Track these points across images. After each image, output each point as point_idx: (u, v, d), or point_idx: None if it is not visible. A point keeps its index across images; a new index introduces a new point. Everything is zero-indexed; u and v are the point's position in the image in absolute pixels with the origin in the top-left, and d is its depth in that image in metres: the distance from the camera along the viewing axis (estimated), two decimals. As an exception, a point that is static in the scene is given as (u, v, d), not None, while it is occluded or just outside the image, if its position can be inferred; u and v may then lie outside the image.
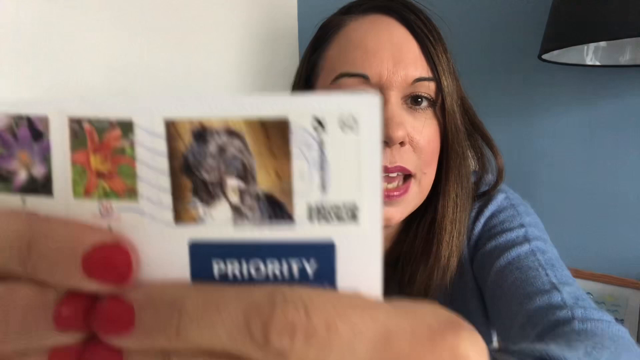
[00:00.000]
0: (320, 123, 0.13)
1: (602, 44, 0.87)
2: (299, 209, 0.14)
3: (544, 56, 0.83)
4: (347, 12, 0.50)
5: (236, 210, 0.14)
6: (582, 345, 0.31)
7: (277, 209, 0.14)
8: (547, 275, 0.42)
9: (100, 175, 0.14)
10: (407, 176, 0.46)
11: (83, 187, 0.14)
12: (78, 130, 0.14)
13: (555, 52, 0.85)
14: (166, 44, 0.91)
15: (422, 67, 0.45)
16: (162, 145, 0.14)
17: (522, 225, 0.49)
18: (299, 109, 0.13)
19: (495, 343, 0.57)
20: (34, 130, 0.14)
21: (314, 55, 0.51)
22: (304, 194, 0.14)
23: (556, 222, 1.00)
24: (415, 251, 0.51)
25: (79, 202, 0.14)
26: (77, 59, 0.75)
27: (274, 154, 0.13)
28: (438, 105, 0.47)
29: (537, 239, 0.47)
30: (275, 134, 0.13)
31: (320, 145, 0.13)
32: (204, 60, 1.02)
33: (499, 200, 0.53)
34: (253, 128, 0.13)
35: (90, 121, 0.14)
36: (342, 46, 0.47)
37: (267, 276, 0.14)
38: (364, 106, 0.13)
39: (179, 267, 0.14)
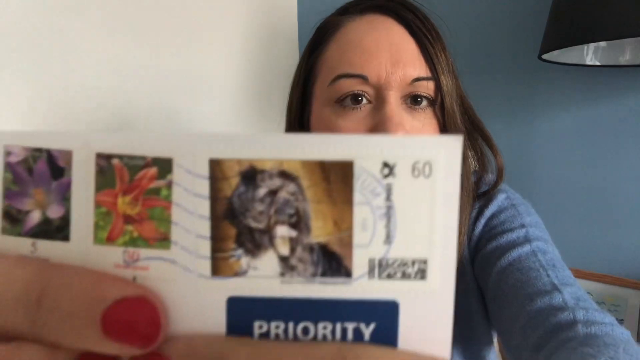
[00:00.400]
0: (389, 168, 0.12)
1: (602, 44, 0.87)
2: (359, 263, 0.12)
3: (544, 56, 0.83)
4: (344, 13, 0.50)
5: (285, 263, 0.12)
6: None
7: (333, 262, 0.12)
8: (548, 276, 0.41)
9: (127, 219, 0.12)
10: None
11: (106, 232, 0.12)
12: (106, 167, 0.12)
13: (555, 52, 0.85)
14: (166, 44, 0.91)
15: (421, 66, 0.45)
16: (204, 188, 0.12)
17: (523, 226, 0.48)
18: (367, 151, 0.12)
19: (495, 343, 0.57)
20: (53, 166, 0.12)
21: (312, 56, 0.51)
22: (366, 246, 0.12)
23: (556, 222, 1.00)
24: None
25: (100, 248, 0.12)
26: (77, 59, 0.75)
27: (333, 200, 0.12)
28: (437, 104, 0.47)
29: (538, 239, 0.47)
30: (336, 177, 0.12)
31: (388, 192, 0.12)
32: (204, 60, 1.02)
33: (499, 200, 0.52)
34: (311, 170, 0.12)
35: (121, 157, 0.12)
36: (340, 47, 0.47)
37: (315, 338, 0.12)
38: (443, 151, 0.12)
39: (213, 325, 0.12)
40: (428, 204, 0.12)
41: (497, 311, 0.45)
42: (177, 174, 0.12)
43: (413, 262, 0.12)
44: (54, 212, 0.12)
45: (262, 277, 0.12)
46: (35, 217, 0.13)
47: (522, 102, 1.02)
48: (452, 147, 0.12)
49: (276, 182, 0.12)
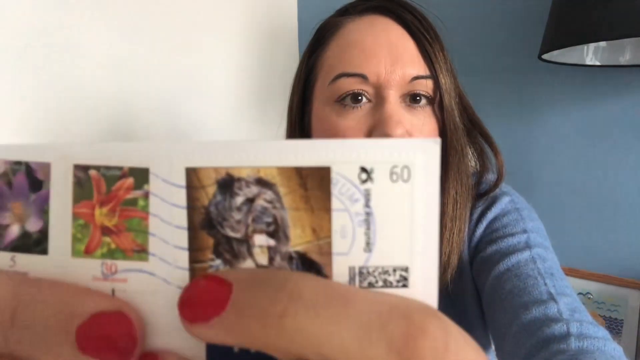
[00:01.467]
0: (367, 173, 0.12)
1: (602, 44, 0.87)
2: (339, 272, 0.12)
3: (544, 56, 0.83)
4: (344, 14, 0.51)
5: None
6: None
7: (312, 271, 0.12)
8: (545, 284, 0.41)
9: (105, 230, 0.12)
10: None
11: (84, 245, 0.12)
12: (83, 178, 0.12)
13: (555, 52, 0.85)
14: (166, 44, 0.91)
15: (420, 65, 0.46)
16: (181, 197, 0.12)
17: (524, 231, 0.48)
18: (344, 156, 0.12)
19: (493, 347, 0.56)
20: (32, 179, 0.12)
21: (312, 57, 0.52)
22: (346, 254, 0.12)
23: (556, 222, 1.00)
24: None
25: (79, 261, 0.12)
26: (77, 59, 0.75)
27: (311, 208, 0.12)
28: (436, 102, 0.47)
29: (539, 246, 0.46)
30: (314, 184, 0.12)
31: (367, 198, 0.12)
32: (204, 60, 1.02)
33: (503, 203, 0.52)
34: (288, 177, 0.12)
35: (98, 168, 0.12)
36: (340, 47, 0.48)
37: None
38: (421, 154, 0.12)
39: (194, 339, 0.12)
40: (408, 209, 0.12)
41: (492, 315, 0.45)
42: (153, 184, 0.12)
43: (394, 270, 0.12)
44: (33, 226, 0.12)
45: None
46: (14, 231, 0.12)
47: (522, 102, 1.02)
48: (430, 150, 0.12)
49: (253, 189, 0.12)
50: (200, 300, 0.11)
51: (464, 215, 0.50)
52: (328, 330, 0.10)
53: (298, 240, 0.12)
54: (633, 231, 0.94)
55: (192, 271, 0.12)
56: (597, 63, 0.88)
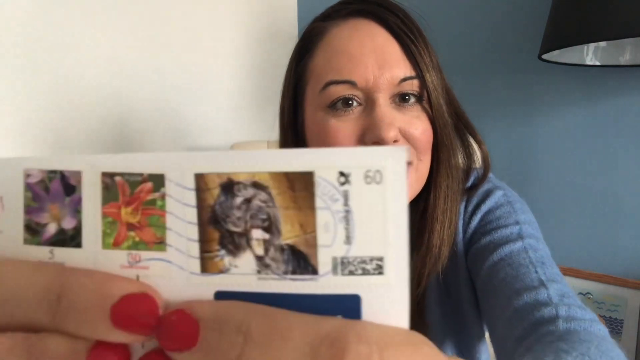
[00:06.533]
0: (345, 176, 0.13)
1: (602, 44, 0.87)
2: (324, 261, 0.13)
3: (544, 56, 0.84)
4: (327, 18, 0.51)
5: (260, 262, 0.14)
6: (570, 358, 0.32)
7: (301, 261, 0.14)
8: (536, 272, 0.43)
9: (130, 226, 0.14)
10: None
11: (113, 239, 0.14)
12: (110, 183, 0.14)
13: (555, 52, 0.85)
14: (167, 44, 0.91)
15: (406, 66, 0.47)
16: (191, 198, 0.14)
17: (517, 223, 0.50)
18: (325, 162, 0.13)
19: (488, 340, 0.57)
20: (66, 185, 0.15)
21: (300, 63, 0.53)
22: (329, 246, 0.13)
23: (556, 221, 1.00)
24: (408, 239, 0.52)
25: (108, 253, 0.14)
26: (77, 57, 0.75)
27: (298, 206, 0.13)
28: (425, 100, 0.48)
29: (531, 236, 0.49)
30: (300, 186, 0.13)
31: (345, 198, 0.13)
32: (205, 60, 1.02)
33: (497, 196, 0.54)
34: (278, 180, 0.13)
35: (122, 175, 0.14)
36: (327, 54, 0.49)
37: None
38: (389, 160, 0.13)
39: None
40: (381, 207, 0.13)
41: (486, 302, 0.47)
42: (168, 187, 0.14)
43: (371, 260, 0.13)
44: (68, 224, 0.15)
45: (242, 274, 0.14)
46: (52, 228, 0.15)
47: (522, 102, 1.02)
48: (398, 156, 0.13)
49: (250, 191, 0.14)
50: (172, 335, 0.13)
51: (455, 208, 0.52)
52: None
53: (288, 234, 0.14)
54: (633, 231, 0.95)
55: (202, 260, 0.14)
56: (597, 63, 0.88)
